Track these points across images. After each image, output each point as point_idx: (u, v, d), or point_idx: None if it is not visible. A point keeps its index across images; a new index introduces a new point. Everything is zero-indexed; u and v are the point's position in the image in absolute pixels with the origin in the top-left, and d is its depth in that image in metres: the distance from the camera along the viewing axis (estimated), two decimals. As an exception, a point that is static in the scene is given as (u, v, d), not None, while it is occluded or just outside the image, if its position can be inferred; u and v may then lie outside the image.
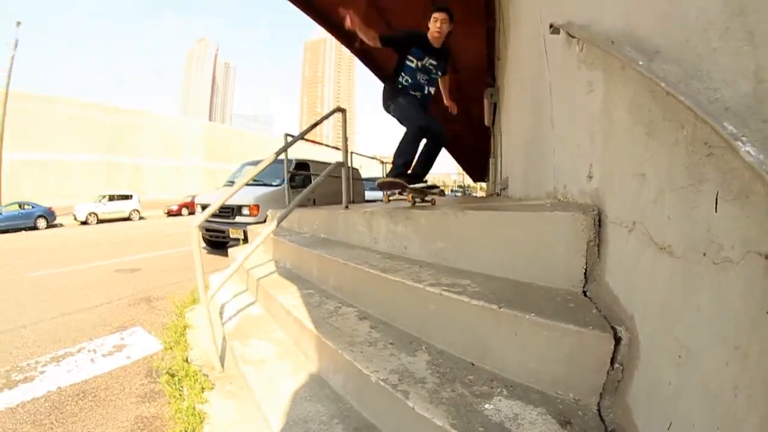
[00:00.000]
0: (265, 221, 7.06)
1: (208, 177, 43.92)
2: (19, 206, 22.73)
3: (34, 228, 21.75)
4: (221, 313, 3.47)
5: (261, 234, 3.08)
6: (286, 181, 5.82)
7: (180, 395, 2.68)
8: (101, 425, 2.64)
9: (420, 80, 3.80)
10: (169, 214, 28.37)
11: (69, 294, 6.23)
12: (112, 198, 26.11)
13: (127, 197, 26.75)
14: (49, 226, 22.70)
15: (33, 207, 22.92)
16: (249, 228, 6.50)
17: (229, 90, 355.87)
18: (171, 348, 3.55)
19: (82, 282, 7.10)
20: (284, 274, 3.68)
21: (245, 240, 7.01)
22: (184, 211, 28.46)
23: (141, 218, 26.61)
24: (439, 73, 3.91)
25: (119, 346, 4.02)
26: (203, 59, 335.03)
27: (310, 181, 8.61)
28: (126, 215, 26.27)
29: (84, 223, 23.93)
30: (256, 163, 10.15)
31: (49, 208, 23.23)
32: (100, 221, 24.58)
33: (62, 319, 4.93)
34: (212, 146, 45.76)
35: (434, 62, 3.80)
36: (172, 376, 2.89)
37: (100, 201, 25.54)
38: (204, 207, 8.96)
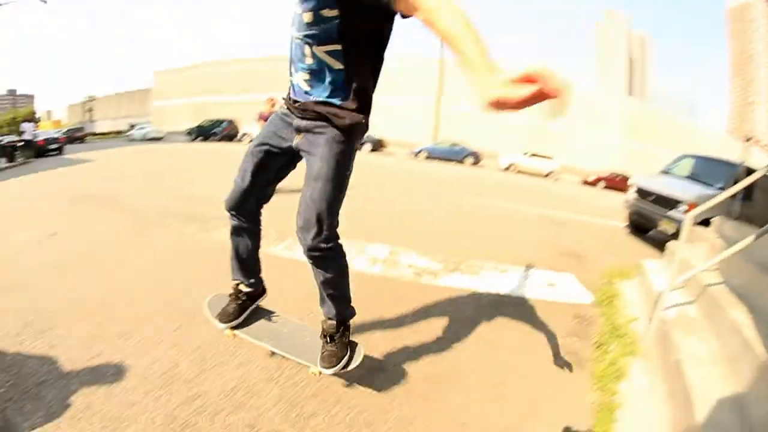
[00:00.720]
0: (705, 223, 6.48)
1: (625, 156, 42.20)
2: (452, 144, 30.51)
3: (461, 163, 28.51)
4: (656, 301, 3.75)
5: (728, 248, 3.38)
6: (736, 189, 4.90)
7: (605, 350, 3.22)
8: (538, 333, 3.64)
9: (294, 49, 1.80)
10: (585, 182, 29.69)
11: (507, 225, 8.06)
12: (535, 155, 30.16)
13: (548, 158, 30.21)
14: (474, 164, 29.01)
15: (463, 147, 29.99)
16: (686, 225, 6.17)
17: (647, 65, 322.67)
18: (601, 307, 3.92)
19: (513, 218, 9.10)
20: (732, 288, 3.60)
21: (675, 236, 6.99)
22: (600, 184, 29.26)
23: (556, 180, 28.76)
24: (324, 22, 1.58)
25: (551, 283, 4.70)
26: (614, 31, 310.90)
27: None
28: (544, 174, 29.47)
29: (505, 170, 29.04)
30: (697, 156, 10.04)
31: (476, 152, 29.81)
32: (519, 172, 28.83)
33: (501, 243, 6.41)
34: (633, 125, 43.37)
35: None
36: (609, 332, 3.42)
37: (523, 155, 30.18)
38: (641, 190, 9.35)
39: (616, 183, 28.54)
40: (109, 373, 2.89)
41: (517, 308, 4.16)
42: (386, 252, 5.58)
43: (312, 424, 2.46)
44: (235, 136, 29.07)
